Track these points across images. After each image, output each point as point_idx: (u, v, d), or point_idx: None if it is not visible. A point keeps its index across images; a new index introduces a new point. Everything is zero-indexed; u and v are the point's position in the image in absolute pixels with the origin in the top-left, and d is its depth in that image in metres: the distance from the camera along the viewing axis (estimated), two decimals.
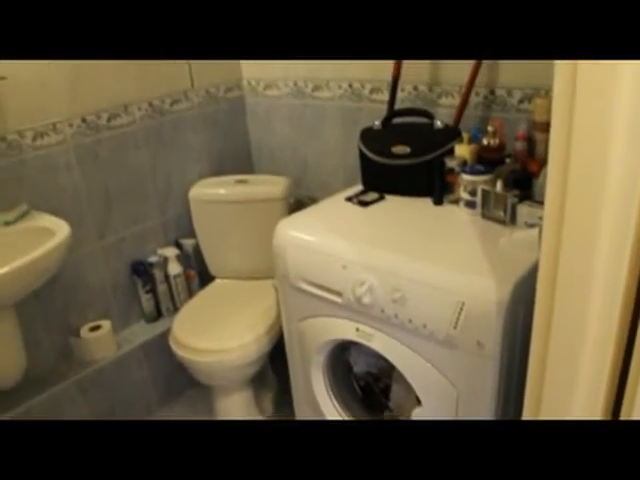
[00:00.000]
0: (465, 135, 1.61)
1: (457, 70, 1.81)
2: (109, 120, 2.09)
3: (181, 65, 2.27)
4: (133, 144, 2.18)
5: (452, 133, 1.66)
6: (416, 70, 1.90)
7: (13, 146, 1.87)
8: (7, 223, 1.80)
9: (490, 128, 1.59)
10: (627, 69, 0.67)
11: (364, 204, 1.64)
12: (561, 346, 0.85)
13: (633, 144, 0.69)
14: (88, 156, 2.06)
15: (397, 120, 1.79)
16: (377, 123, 1.77)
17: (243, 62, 2.47)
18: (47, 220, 1.81)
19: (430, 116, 1.71)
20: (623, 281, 0.77)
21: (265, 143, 2.54)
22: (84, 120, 2.02)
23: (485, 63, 1.72)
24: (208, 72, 2.37)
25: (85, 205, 2.08)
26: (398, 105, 1.90)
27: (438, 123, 1.68)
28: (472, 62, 1.71)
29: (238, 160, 2.57)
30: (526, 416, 0.96)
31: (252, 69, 2.45)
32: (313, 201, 2.37)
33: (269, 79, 2.39)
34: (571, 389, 0.85)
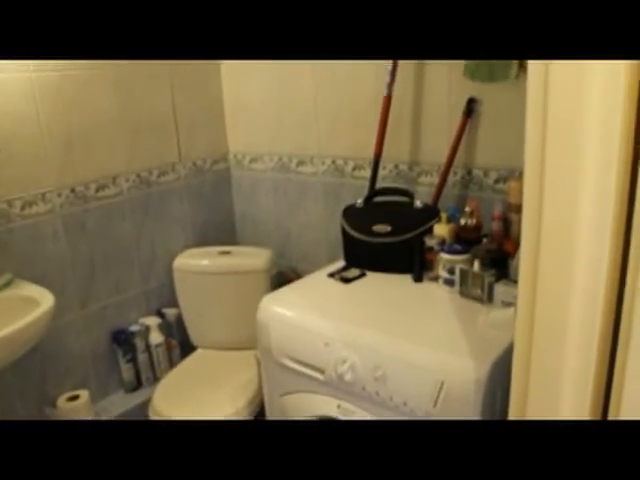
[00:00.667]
0: (443, 215, 1.68)
1: (436, 150, 1.90)
2: (97, 191, 2.13)
3: (170, 138, 2.35)
4: (119, 214, 2.22)
5: (431, 212, 1.73)
6: (397, 149, 1.99)
7: (1, 215, 1.90)
8: None
9: (467, 209, 1.66)
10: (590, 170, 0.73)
11: (346, 280, 1.68)
12: None
13: (596, 231, 0.75)
14: (75, 226, 2.09)
15: (379, 198, 1.86)
16: (359, 201, 1.83)
17: (230, 135, 2.55)
18: (32, 289, 1.81)
19: (410, 195, 1.78)
20: (594, 356, 0.81)
21: (249, 215, 2.60)
22: (73, 190, 2.06)
23: (462, 144, 1.81)
24: (196, 145, 2.44)
25: (69, 274, 2.10)
26: (379, 182, 1.98)
27: (418, 203, 1.75)
28: (450, 142, 1.80)
29: (222, 230, 2.61)
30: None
31: (239, 143, 2.53)
32: (295, 272, 2.41)
33: (255, 153, 2.46)
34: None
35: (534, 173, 0.80)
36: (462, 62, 1.72)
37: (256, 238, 2.59)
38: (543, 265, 0.82)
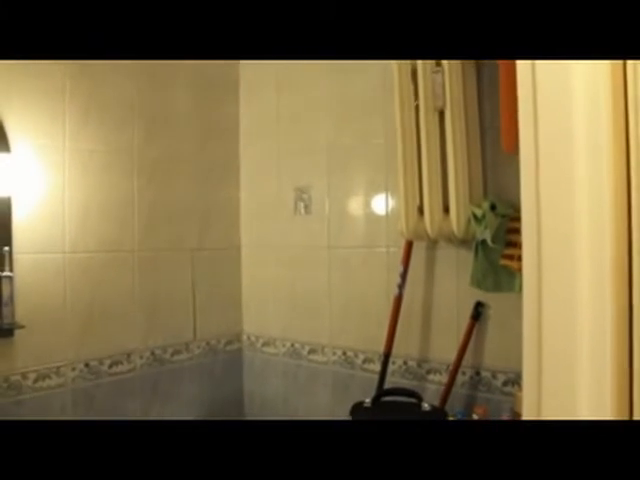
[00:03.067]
0: (451, 418, 1.67)
1: (445, 348, 1.95)
2: (111, 366, 2.17)
3: (187, 317, 2.43)
4: (129, 391, 2.23)
5: (439, 415, 1.73)
6: (406, 345, 2.03)
7: (13, 387, 1.92)
8: None
9: (475, 416, 1.66)
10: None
11: None
12: None
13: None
14: (84, 400, 2.10)
15: (387, 398, 1.87)
16: (367, 401, 1.84)
17: (245, 317, 2.63)
18: None
19: (418, 397, 1.79)
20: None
21: (257, 393, 2.60)
22: (87, 365, 2.11)
23: (471, 345, 1.86)
24: (211, 324, 2.52)
25: None
26: (389, 376, 2.00)
27: (425, 405, 1.75)
28: (459, 342, 1.84)
29: (229, 409, 2.59)
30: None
31: (253, 325, 2.60)
32: None
33: (268, 337, 2.52)
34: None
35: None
36: (469, 270, 1.82)
37: (263, 415, 2.55)
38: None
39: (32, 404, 1.97)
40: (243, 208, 2.63)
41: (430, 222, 1.78)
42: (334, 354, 2.27)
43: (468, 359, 1.88)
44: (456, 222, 1.74)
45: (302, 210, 2.37)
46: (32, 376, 1.97)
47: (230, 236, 2.61)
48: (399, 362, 2.07)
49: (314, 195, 2.33)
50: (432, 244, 1.96)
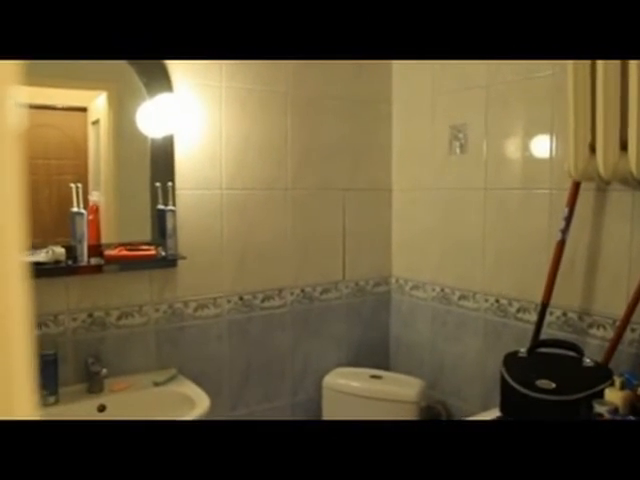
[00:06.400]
0: (617, 379, 1.52)
1: (611, 302, 1.77)
2: (263, 301, 2.26)
3: (337, 257, 2.45)
4: (280, 325, 2.31)
5: (602, 374, 1.58)
6: (567, 295, 1.88)
7: (177, 313, 2.07)
8: (156, 384, 1.93)
9: None
10: None
11: None
12: None
13: None
14: (238, 331, 2.21)
15: (543, 349, 1.75)
16: (522, 350, 1.74)
17: (394, 260, 2.60)
18: (190, 389, 1.92)
19: (579, 351, 1.66)
20: None
21: (404, 340, 2.57)
22: (241, 298, 2.21)
23: None
24: (360, 266, 2.51)
25: (226, 376, 2.20)
26: (545, 329, 1.87)
27: (587, 360, 1.62)
28: (629, 296, 1.66)
29: (375, 352, 2.60)
30: None
31: (402, 268, 2.56)
32: (445, 408, 2.31)
33: (417, 280, 2.47)
34: None
35: None
36: None
37: (408, 364, 2.54)
38: None
39: (193, 331, 2.11)
40: (395, 148, 2.56)
41: (603, 161, 1.59)
42: (486, 301, 2.16)
43: (639, 315, 1.70)
44: (635, 160, 1.53)
45: (457, 150, 2.25)
46: (192, 305, 2.11)
47: (381, 177, 2.56)
48: (557, 313, 1.92)
49: (470, 134, 2.20)
50: (603, 186, 1.77)
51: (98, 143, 1.95)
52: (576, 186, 1.77)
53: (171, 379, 1.98)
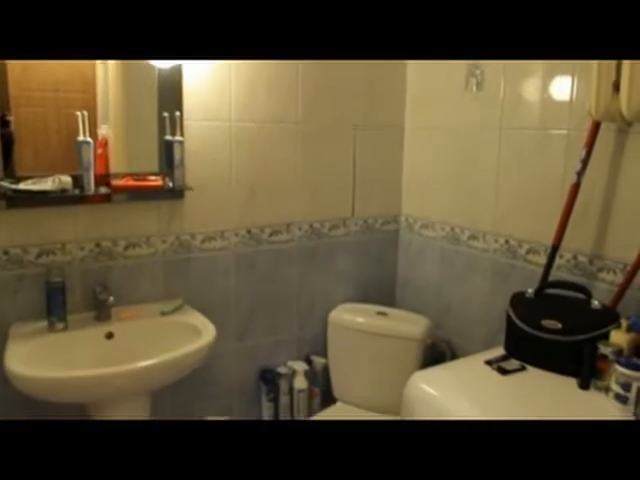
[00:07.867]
0: (624, 321, 1.52)
1: (624, 246, 1.74)
2: (271, 235, 2.25)
3: (346, 194, 2.42)
4: (287, 260, 2.31)
5: (609, 316, 1.58)
6: (578, 238, 1.85)
7: (184, 245, 2.07)
8: (163, 313, 1.95)
9: None
10: None
11: (504, 372, 1.58)
12: None
13: None
14: (246, 264, 2.21)
15: (551, 291, 1.74)
16: (530, 291, 1.73)
17: (404, 198, 2.57)
18: (197, 318, 1.94)
19: (588, 293, 1.65)
20: None
21: (411, 279, 2.57)
22: (249, 232, 2.20)
23: None
24: (369, 204, 2.49)
25: (233, 308, 2.22)
26: (554, 271, 1.86)
27: (595, 302, 1.61)
28: None
29: (381, 290, 2.61)
30: None
31: (411, 207, 2.53)
32: (449, 346, 2.33)
33: (426, 219, 2.45)
34: None
35: None
36: None
37: (414, 303, 2.55)
38: None
39: (200, 262, 2.12)
40: (409, 84, 2.49)
41: (627, 99, 1.52)
42: (496, 242, 2.14)
43: None
44: None
45: (473, 87, 2.18)
46: (199, 237, 2.10)
47: (394, 114, 2.50)
48: (567, 256, 1.90)
49: (487, 70, 2.12)
50: (625, 127, 1.71)
51: (106, 74, 1.89)
52: (596, 126, 1.71)
53: (178, 309, 2.00)
